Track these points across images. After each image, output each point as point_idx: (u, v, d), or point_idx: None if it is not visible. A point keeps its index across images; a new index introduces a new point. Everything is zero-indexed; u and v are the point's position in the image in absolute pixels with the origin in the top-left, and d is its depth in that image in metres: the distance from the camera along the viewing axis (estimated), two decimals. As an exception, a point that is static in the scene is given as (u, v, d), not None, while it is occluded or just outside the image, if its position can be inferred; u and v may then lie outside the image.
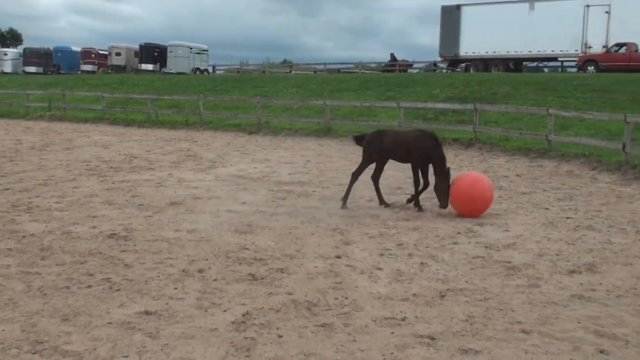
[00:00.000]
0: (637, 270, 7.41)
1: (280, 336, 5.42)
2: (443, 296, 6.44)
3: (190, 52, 61.49)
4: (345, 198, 11.19)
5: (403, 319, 5.80)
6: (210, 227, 9.36)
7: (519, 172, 15.43)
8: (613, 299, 6.42)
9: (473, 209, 10.43)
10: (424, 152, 10.92)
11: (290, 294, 6.47)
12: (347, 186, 11.45)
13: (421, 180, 11.09)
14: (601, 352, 5.12)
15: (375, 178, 11.46)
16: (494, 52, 42.74)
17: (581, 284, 6.89)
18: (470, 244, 8.57)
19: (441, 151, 10.85)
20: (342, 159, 17.49)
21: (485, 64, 43.19)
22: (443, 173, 10.67)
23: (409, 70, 51.42)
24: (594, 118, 18.95)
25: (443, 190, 10.64)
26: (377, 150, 11.34)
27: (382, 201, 11.30)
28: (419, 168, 11.08)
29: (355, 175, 11.48)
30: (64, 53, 69.90)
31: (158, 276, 7.03)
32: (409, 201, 11.24)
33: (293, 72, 57.25)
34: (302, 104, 28.46)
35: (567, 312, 6.02)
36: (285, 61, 76.90)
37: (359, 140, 11.88)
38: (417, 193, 11.09)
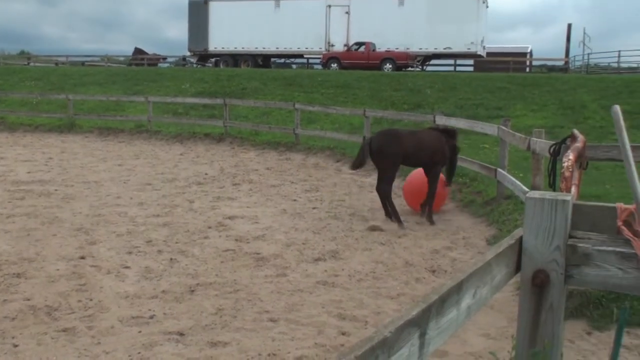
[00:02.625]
0: (375, 255, 7.89)
1: (16, 345, 5.00)
2: (193, 291, 6.35)
3: None
4: (397, 217, 9.55)
5: (151, 317, 5.63)
6: None
7: (269, 165, 15.79)
8: (354, 283, 6.76)
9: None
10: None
11: (27, 299, 5.99)
12: (387, 208, 9.79)
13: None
14: (343, 334, 5.36)
15: (388, 191, 9.89)
16: (243, 48, 43.36)
17: (325, 270, 7.17)
18: (221, 238, 8.58)
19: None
20: (88, 155, 16.71)
21: (234, 59, 43.67)
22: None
23: (158, 65, 50.52)
24: (337, 113, 20.00)
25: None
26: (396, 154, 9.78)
27: (398, 219, 9.56)
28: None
29: (387, 191, 9.83)
30: None
31: None
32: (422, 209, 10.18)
33: (32, 64, 53.61)
34: (42, 98, 26.76)
35: (313, 298, 6.23)
36: (22, 52, 71.76)
37: (362, 160, 10.00)
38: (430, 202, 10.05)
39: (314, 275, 6.99)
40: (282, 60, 48.75)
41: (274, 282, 6.72)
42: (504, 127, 10.50)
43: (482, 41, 38.74)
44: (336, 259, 7.66)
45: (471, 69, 42.78)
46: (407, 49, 38.29)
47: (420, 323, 1.69)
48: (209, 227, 9.16)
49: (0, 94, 26.78)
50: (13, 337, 5.15)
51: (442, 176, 10.32)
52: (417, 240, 8.70)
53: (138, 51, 53.26)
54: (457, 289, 1.92)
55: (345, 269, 7.24)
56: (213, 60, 46.00)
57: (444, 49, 38.38)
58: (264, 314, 5.75)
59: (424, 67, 40.80)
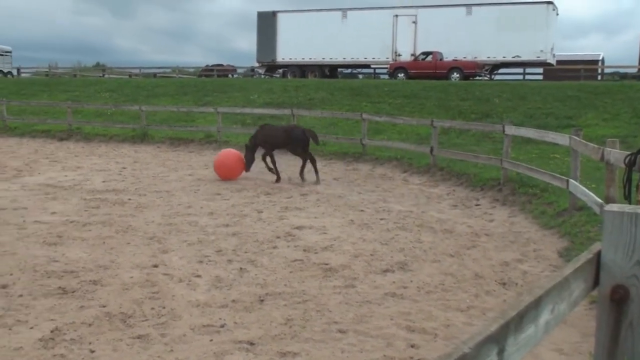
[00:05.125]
0: (444, 267, 7.82)
1: (93, 351, 5.15)
2: (262, 301, 6.42)
3: (-9, 53, 57.44)
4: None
5: (222, 326, 5.71)
6: (16, 240, 8.74)
7: (336, 175, 15.84)
8: (423, 294, 6.72)
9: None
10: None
11: (103, 306, 6.17)
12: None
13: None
14: (412, 346, 5.33)
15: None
16: (310, 58, 43.65)
17: (394, 282, 7.15)
18: (290, 248, 8.64)
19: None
20: (160, 165, 17.10)
21: (302, 70, 44.00)
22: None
23: (229, 76, 51.33)
24: (404, 123, 19.94)
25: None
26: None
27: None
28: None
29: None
30: None
31: (-46, 295, 6.45)
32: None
33: (106, 76, 55.21)
34: (116, 109, 27.51)
35: (381, 310, 6.21)
36: (98, 64, 74.12)
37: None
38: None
39: (383, 286, 6.98)
40: (349, 71, 48.91)
41: (343, 293, 6.73)
42: (575, 137, 10.27)
43: (551, 49, 38.02)
44: (404, 271, 7.63)
45: (540, 77, 42.03)
46: (475, 57, 37.89)
47: (499, 339, 1.67)
48: (278, 237, 9.24)
49: (77, 105, 27.61)
50: (90, 343, 5.30)
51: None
52: (487, 252, 8.59)
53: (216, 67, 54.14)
54: (536, 305, 1.89)
55: (414, 281, 7.20)
56: (281, 71, 46.45)
57: (513, 57, 37.80)
58: (332, 325, 5.77)
59: (492, 76, 40.28)
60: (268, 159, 14.88)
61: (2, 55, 58.68)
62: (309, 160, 14.88)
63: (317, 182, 14.45)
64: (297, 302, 6.38)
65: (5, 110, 27.19)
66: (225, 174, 14.77)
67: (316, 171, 14.68)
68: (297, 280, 7.15)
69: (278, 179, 14.67)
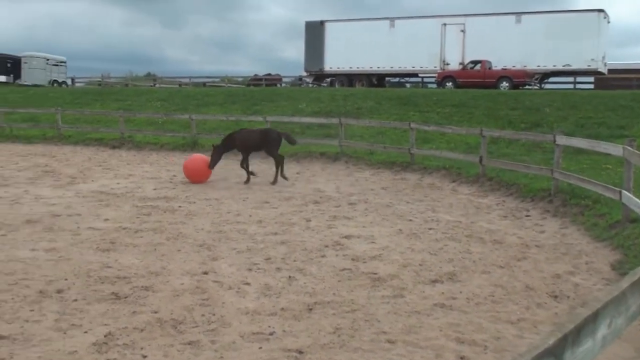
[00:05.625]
0: (494, 278, 7.74)
1: (145, 356, 5.25)
2: (311, 309, 6.45)
3: (47, 63, 58.80)
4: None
5: (271, 334, 5.76)
6: (70, 246, 8.95)
7: (384, 185, 15.81)
8: (472, 306, 6.66)
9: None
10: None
11: (155, 312, 6.27)
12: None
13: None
14: (462, 358, 5.30)
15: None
16: (358, 67, 43.68)
17: (443, 292, 7.10)
18: (338, 257, 8.66)
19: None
20: (212, 175, 17.26)
21: (349, 79, 44.06)
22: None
23: (277, 85, 51.72)
24: (453, 132, 19.82)
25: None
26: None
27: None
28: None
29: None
30: None
31: (12, 298, 6.63)
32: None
33: (157, 85, 56.07)
34: (167, 118, 27.93)
35: (430, 320, 6.18)
36: (149, 74, 75.29)
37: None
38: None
39: (432, 297, 6.94)
40: (397, 80, 48.78)
41: (391, 302, 6.72)
42: (629, 148, 10.08)
43: (603, 57, 37.33)
44: (453, 282, 7.58)
45: (592, 86, 41.32)
46: (525, 66, 37.44)
47: (556, 353, 1.67)
48: (326, 246, 9.26)
49: (129, 114, 28.10)
50: (142, 348, 5.40)
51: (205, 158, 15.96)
52: (538, 264, 8.47)
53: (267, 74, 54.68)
54: (593, 319, 1.88)
55: (463, 292, 7.15)
56: (328, 80, 46.58)
57: (563, 66, 37.23)
58: (381, 335, 5.76)
59: (542, 85, 39.74)
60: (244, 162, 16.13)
61: (57, 65, 60.12)
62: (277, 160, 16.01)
63: (274, 182, 15.71)
64: (345, 312, 6.39)
65: (60, 119, 27.83)
66: (195, 178, 15.81)
67: (280, 172, 15.88)
68: (346, 290, 7.16)
69: (248, 180, 15.81)
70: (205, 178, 15.89)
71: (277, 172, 15.90)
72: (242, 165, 16.13)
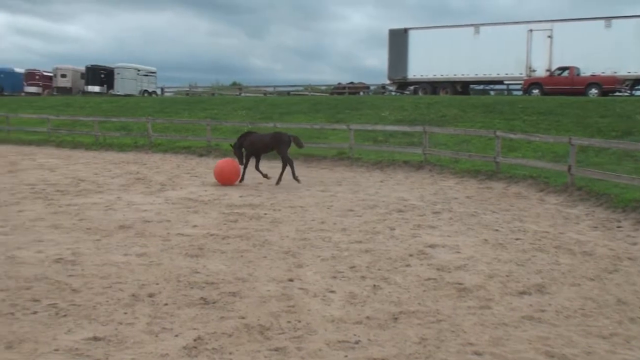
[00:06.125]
0: (584, 291, 7.55)
1: (233, 362, 5.35)
2: (396, 319, 6.44)
3: (138, 74, 60.87)
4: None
5: (356, 342, 5.78)
6: (161, 251, 9.23)
7: (469, 193, 15.63)
8: (562, 319, 6.52)
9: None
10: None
11: (242, 317, 6.40)
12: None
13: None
14: (552, 372, 5.19)
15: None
16: (442, 75, 43.38)
17: (531, 305, 6.97)
18: (422, 266, 8.62)
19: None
20: (294, 181, 17.46)
21: (433, 86, 43.78)
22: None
23: (360, 93, 51.86)
24: (540, 140, 19.41)
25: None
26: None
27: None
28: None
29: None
30: (6, 74, 68.43)
31: (107, 301, 6.89)
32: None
33: (242, 94, 57.15)
34: (252, 126, 28.40)
35: (518, 333, 6.08)
36: (234, 83, 76.86)
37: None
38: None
39: (519, 309, 6.82)
40: (481, 87, 48.18)
41: (477, 314, 6.64)
42: None
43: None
44: (542, 293, 7.42)
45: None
46: (615, 72, 36.36)
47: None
48: (410, 255, 9.23)
49: (216, 122, 28.73)
50: (230, 353, 5.51)
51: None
52: (630, 277, 8.20)
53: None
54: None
55: (552, 304, 6.99)
56: (412, 88, 46.41)
57: (656, 71, 36.00)
58: (467, 347, 5.71)
59: (633, 92, 38.43)
60: (248, 166, 17.54)
61: (147, 75, 62.12)
62: (285, 162, 17.08)
63: (278, 182, 17.01)
64: (431, 322, 6.36)
65: (151, 127, 28.74)
66: (224, 180, 16.98)
67: (291, 174, 16.90)
68: (431, 300, 7.12)
69: (242, 179, 17.26)
70: (232, 178, 17.04)
71: (281, 173, 17.03)
72: (256, 169, 17.55)
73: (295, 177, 16.84)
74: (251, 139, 17.46)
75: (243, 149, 17.50)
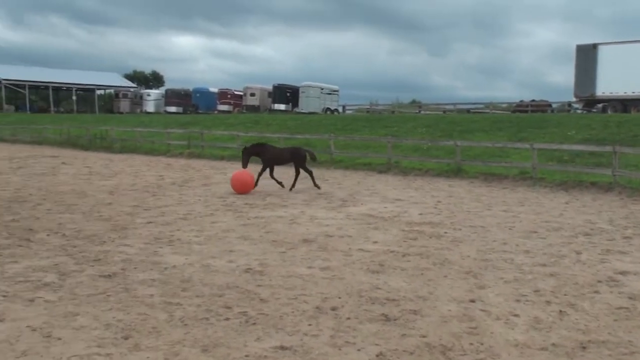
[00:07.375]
0: None
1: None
2: (584, 348, 6.18)
3: (322, 92, 62.83)
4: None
5: (543, 369, 5.62)
6: (343, 266, 9.46)
7: (664, 218, 14.61)
8: None
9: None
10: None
11: (424, 336, 6.42)
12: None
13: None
14: None
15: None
16: (634, 92, 40.95)
17: None
18: (613, 294, 8.19)
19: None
20: (474, 201, 17.22)
21: (623, 104, 41.46)
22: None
23: (547, 111, 50.21)
24: None
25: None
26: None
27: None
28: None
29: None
30: (202, 94, 73.46)
31: (292, 312, 7.18)
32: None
33: (422, 112, 57.17)
34: (432, 144, 28.34)
35: None
36: (414, 101, 77.12)
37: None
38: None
39: None
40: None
41: (676, 348, 6.22)
42: None
43: None
44: None
45: None
46: None
47: None
48: (599, 282, 8.80)
49: (396, 140, 28.93)
50: (412, 370, 5.55)
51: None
52: None
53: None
54: None
55: None
56: (600, 105, 44.21)
57: None
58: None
59: None
60: (264, 174, 19.73)
61: (330, 94, 63.96)
62: (302, 172, 19.63)
63: (292, 188, 19.41)
64: (623, 354, 6.04)
65: (333, 144, 29.48)
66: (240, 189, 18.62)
67: (313, 180, 19.60)
68: (623, 330, 6.75)
69: (282, 185, 19.63)
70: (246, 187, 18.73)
71: (295, 180, 19.54)
72: (271, 177, 19.75)
73: (315, 185, 19.42)
74: (273, 153, 19.85)
75: (262, 158, 19.84)
